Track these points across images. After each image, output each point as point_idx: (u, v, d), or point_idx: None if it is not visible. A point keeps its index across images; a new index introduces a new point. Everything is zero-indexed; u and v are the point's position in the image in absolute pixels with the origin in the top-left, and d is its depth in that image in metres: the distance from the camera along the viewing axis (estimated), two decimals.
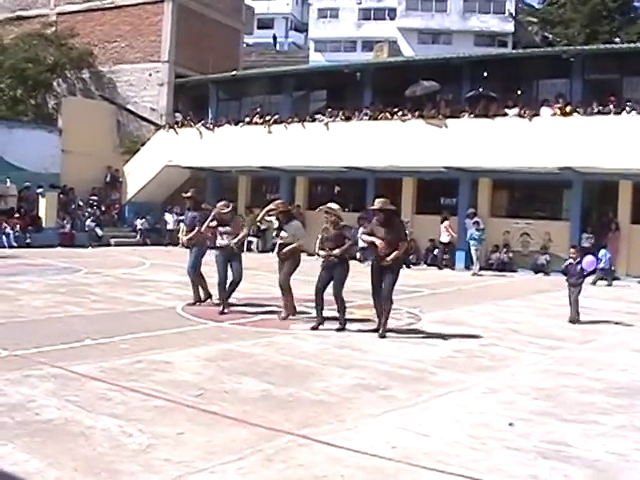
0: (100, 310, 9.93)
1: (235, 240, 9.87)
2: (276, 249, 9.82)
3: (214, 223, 10.45)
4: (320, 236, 9.26)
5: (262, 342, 8.12)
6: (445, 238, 20.27)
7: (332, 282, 9.05)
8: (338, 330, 8.97)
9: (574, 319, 10.45)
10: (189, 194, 11.27)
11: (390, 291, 8.51)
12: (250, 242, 23.88)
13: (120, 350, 7.31)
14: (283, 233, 9.70)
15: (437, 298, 13.36)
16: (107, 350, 7.29)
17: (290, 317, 9.65)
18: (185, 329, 8.78)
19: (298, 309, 10.09)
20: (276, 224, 9.86)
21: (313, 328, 8.95)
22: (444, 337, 8.88)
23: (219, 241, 10.33)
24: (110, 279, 14.11)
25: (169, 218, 25.64)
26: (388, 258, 8.34)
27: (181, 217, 24.61)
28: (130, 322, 9.13)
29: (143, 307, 10.45)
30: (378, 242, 8.55)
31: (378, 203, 8.71)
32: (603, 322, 10.69)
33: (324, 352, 7.70)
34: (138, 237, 25.72)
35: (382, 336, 8.46)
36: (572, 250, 10.65)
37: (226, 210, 10.46)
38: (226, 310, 10.02)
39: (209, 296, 10.78)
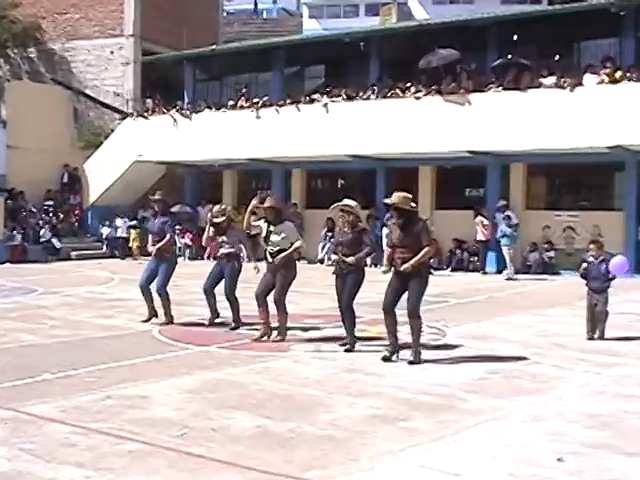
0: (60, 337, 9.94)
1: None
2: (267, 258, 9.66)
3: (212, 232, 10.80)
4: (334, 239, 9.33)
5: (256, 368, 8.13)
6: (482, 236, 20.33)
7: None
8: (347, 350, 8.98)
9: (595, 335, 9.97)
10: (157, 196, 11.41)
11: (416, 305, 8.44)
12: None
13: (85, 384, 7.30)
14: (274, 237, 9.60)
15: (465, 309, 13.35)
16: (69, 385, 7.28)
17: (283, 339, 9.65)
18: (164, 356, 8.77)
19: (299, 325, 10.08)
20: (263, 226, 9.76)
21: (347, 350, 8.98)
22: (474, 355, 8.89)
23: (220, 250, 10.76)
24: (72, 300, 14.10)
25: (120, 223, 25.65)
26: (410, 263, 8.25)
27: (132, 222, 24.77)
28: (97, 350, 9.12)
29: (112, 332, 10.46)
30: (386, 252, 8.61)
31: (396, 198, 8.54)
32: None
33: (331, 378, 7.69)
34: (104, 248, 25.84)
35: (414, 362, 8.39)
36: (591, 246, 10.13)
37: (220, 219, 10.64)
38: (205, 322, 10.49)
39: (171, 318, 11.06)
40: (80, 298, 14.39)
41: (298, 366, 8.31)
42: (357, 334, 9.30)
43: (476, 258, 20.90)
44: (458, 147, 20.18)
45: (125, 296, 14.26)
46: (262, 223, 9.80)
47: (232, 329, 10.50)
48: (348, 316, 9.14)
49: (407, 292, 8.42)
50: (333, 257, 9.31)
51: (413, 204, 8.60)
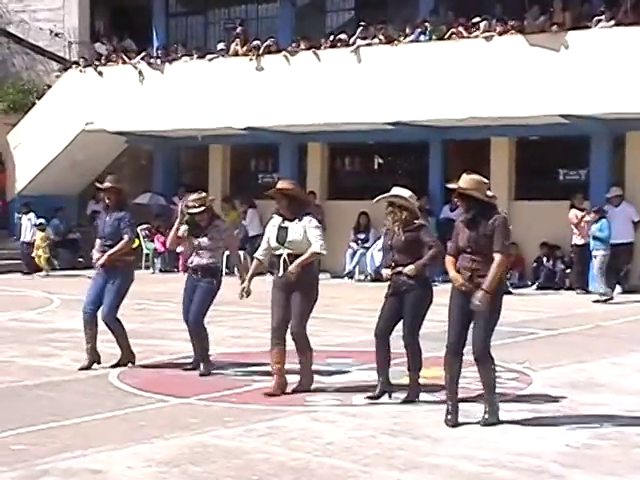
0: None
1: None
2: (279, 268, 9.63)
3: (183, 228, 10.64)
4: (382, 243, 9.34)
5: (259, 429, 8.11)
6: (580, 239, 20.18)
7: (402, 320, 9.14)
8: (405, 402, 9.08)
9: None
10: (108, 184, 11.32)
11: (485, 341, 8.43)
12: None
13: (11, 454, 7.28)
14: (292, 235, 9.56)
15: (559, 344, 13.27)
16: None
17: (308, 389, 9.70)
18: (126, 411, 8.77)
19: (319, 367, 10.15)
20: (274, 222, 9.74)
21: (372, 397, 9.11)
22: (574, 412, 8.81)
23: (194, 259, 10.65)
24: None
25: (25, 221, 25.62)
26: (482, 289, 8.19)
27: (39, 220, 24.79)
28: (28, 404, 9.09)
29: (51, 377, 10.42)
30: (448, 262, 8.57)
31: (465, 182, 8.56)
32: None
33: (365, 443, 7.67)
34: None
35: (489, 422, 8.38)
36: None
37: (197, 209, 10.58)
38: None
39: (132, 356, 11.13)
40: (1, 329, 14.37)
41: (318, 426, 8.28)
42: (402, 378, 9.30)
43: (576, 270, 20.76)
44: (548, 109, 20.11)
45: (68, 325, 14.28)
46: (274, 220, 9.75)
47: (188, 369, 10.60)
48: (412, 353, 9.16)
49: (473, 323, 8.41)
50: (385, 272, 9.29)
51: (490, 193, 8.60)
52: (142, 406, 9.01)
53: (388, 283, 9.30)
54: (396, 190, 9.40)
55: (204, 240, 10.54)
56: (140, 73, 25.34)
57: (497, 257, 8.28)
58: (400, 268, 9.09)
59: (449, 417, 8.39)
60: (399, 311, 9.14)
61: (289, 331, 9.60)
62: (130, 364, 11.04)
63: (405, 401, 9.11)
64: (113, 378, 10.35)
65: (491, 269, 8.22)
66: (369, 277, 22.80)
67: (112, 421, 8.43)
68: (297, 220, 9.60)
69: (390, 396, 9.18)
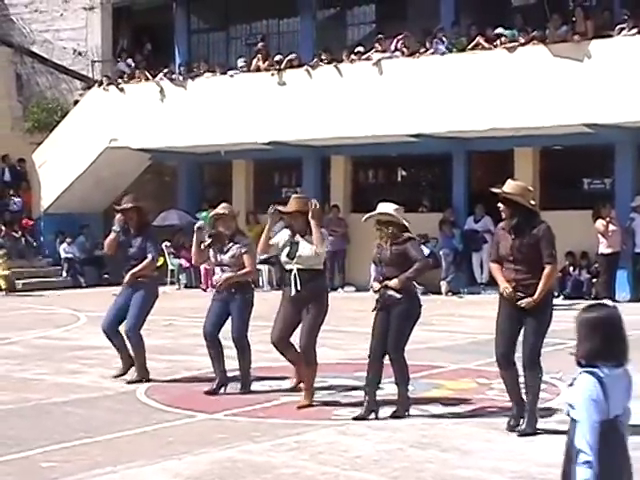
0: (2, 405, 9.98)
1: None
2: (292, 284, 9.60)
3: (207, 244, 10.50)
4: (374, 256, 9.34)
5: (287, 443, 8.13)
6: (606, 247, 20.11)
7: (389, 334, 9.11)
8: (394, 417, 9.02)
9: None
10: (126, 204, 11.34)
11: (536, 349, 8.44)
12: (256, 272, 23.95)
13: (40, 472, 7.33)
14: (303, 249, 9.61)
15: None
16: (16, 474, 7.31)
17: (311, 405, 9.66)
18: (154, 427, 8.82)
19: (346, 381, 10.14)
20: (283, 237, 9.76)
21: (357, 418, 9.02)
22: None
23: (216, 278, 10.61)
24: (18, 349, 14.20)
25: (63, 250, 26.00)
26: (534, 298, 8.20)
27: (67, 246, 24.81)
28: (57, 421, 9.15)
29: (78, 394, 10.48)
30: (495, 269, 8.55)
31: (511, 187, 8.54)
32: None
33: (394, 456, 7.68)
34: (64, 273, 26.11)
35: (527, 432, 8.38)
36: None
37: (225, 224, 10.46)
38: (219, 389, 10.27)
39: (146, 373, 11.14)
40: (30, 346, 14.46)
41: (346, 439, 8.29)
42: (430, 391, 9.27)
43: (602, 279, 20.66)
44: (571, 119, 20.02)
45: (96, 342, 14.28)
46: (283, 234, 9.78)
47: (242, 392, 10.40)
48: (399, 368, 9.12)
49: (523, 330, 8.43)
50: (375, 285, 9.30)
51: (533, 201, 8.60)
52: (170, 422, 9.05)
53: (376, 297, 9.26)
54: (381, 207, 9.34)
55: (225, 257, 10.38)
56: (162, 90, 25.40)
57: (547, 268, 8.30)
58: (388, 282, 9.08)
59: (511, 422, 8.42)
60: (389, 327, 9.09)
61: (298, 346, 9.64)
62: (144, 380, 11.05)
63: (393, 416, 9.00)
64: (141, 394, 10.40)
65: (542, 279, 8.27)
66: None
67: (141, 437, 8.48)
68: (308, 235, 9.62)
69: (377, 415, 9.05)
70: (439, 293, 21.75)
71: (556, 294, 20.85)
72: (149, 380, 11.09)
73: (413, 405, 9.25)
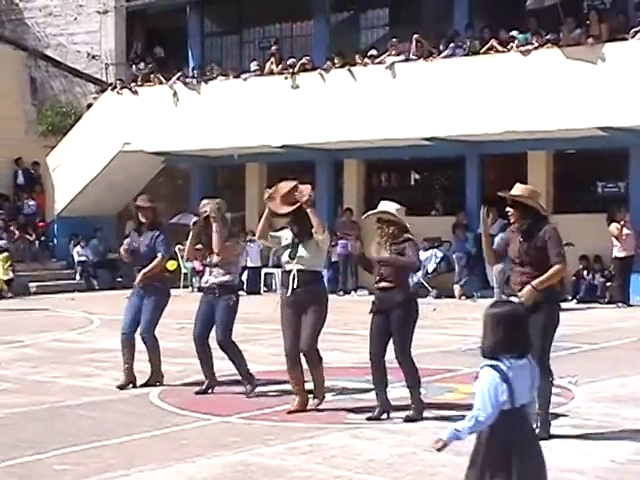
0: (16, 407, 9.99)
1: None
2: (288, 285, 9.50)
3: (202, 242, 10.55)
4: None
5: (300, 447, 8.13)
6: (620, 251, 20.09)
7: (392, 339, 9.11)
8: (407, 420, 8.99)
9: None
10: (142, 202, 11.33)
11: (541, 351, 8.40)
12: (269, 274, 23.97)
13: (54, 475, 7.34)
14: (303, 251, 9.52)
15: (600, 358, 13.17)
16: (30, 477, 7.33)
17: (318, 406, 9.66)
18: (168, 430, 8.82)
19: (359, 385, 10.09)
20: (286, 237, 9.70)
21: (371, 418, 9.07)
22: (619, 427, 8.73)
23: (208, 279, 10.54)
24: (32, 351, 14.23)
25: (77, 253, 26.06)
26: (532, 284, 8.18)
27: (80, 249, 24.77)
28: (70, 424, 9.15)
29: (92, 397, 10.50)
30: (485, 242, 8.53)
31: (520, 190, 8.58)
32: None
33: (408, 460, 7.66)
34: (77, 276, 26.20)
35: (540, 438, 8.27)
36: None
37: (211, 212, 10.39)
38: (209, 390, 10.45)
39: (160, 376, 11.19)
40: (43, 349, 14.49)
41: (360, 443, 8.28)
42: (444, 395, 9.24)
43: (616, 284, 20.63)
44: (586, 122, 20.00)
45: (108, 345, 14.33)
46: (285, 232, 9.74)
47: (249, 394, 10.36)
48: (408, 371, 9.12)
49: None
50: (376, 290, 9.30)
51: (542, 204, 8.63)
52: (183, 425, 9.05)
53: (372, 299, 9.27)
54: (383, 205, 9.36)
55: (214, 258, 10.40)
56: (175, 94, 25.45)
57: (556, 266, 8.29)
58: (384, 284, 9.07)
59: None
60: (387, 329, 9.09)
61: (300, 348, 9.58)
62: (158, 384, 11.08)
63: (407, 419, 8.98)
64: (154, 397, 10.41)
65: (548, 272, 8.26)
66: None
67: (154, 440, 8.48)
68: (309, 236, 9.56)
69: (389, 416, 9.09)
70: (452, 297, 21.73)
71: (570, 298, 20.94)
72: (162, 384, 11.10)
73: (427, 409, 9.23)
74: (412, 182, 25.45)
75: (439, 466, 7.48)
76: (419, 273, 22.54)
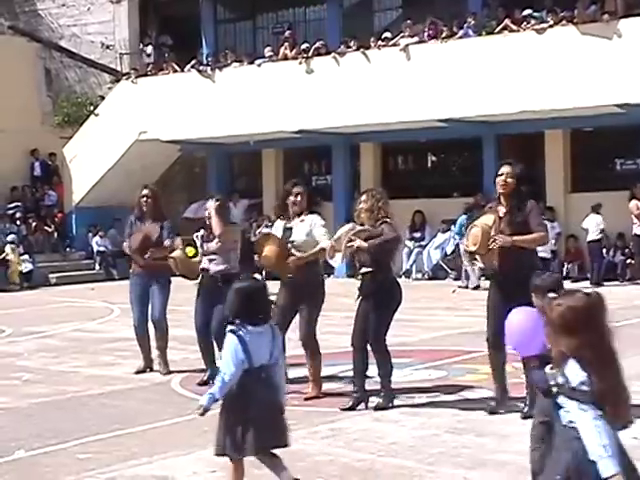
0: (38, 397, 10.06)
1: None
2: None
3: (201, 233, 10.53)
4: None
5: (322, 431, 8.17)
6: (639, 228, 20.01)
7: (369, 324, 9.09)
8: (377, 409, 8.91)
9: None
10: (146, 190, 11.33)
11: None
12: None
13: (78, 464, 7.38)
14: (296, 235, 9.55)
15: (622, 335, 12.65)
16: (54, 466, 7.36)
17: (318, 396, 9.63)
18: (189, 417, 8.79)
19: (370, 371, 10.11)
20: (278, 226, 9.76)
21: (347, 409, 8.95)
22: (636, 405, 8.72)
23: (210, 267, 10.35)
24: (53, 342, 14.30)
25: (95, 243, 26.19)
26: (512, 239, 8.28)
27: (9, 236, 24.53)
28: (93, 413, 9.22)
29: (113, 385, 10.57)
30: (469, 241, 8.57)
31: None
32: None
33: (429, 442, 7.69)
34: (97, 267, 26.28)
35: (527, 416, 8.34)
36: None
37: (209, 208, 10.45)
38: (210, 380, 10.20)
39: (150, 364, 11.33)
40: (65, 339, 14.58)
41: (381, 426, 8.29)
42: (465, 376, 9.22)
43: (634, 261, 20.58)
44: (603, 99, 19.92)
45: (129, 334, 14.32)
46: (278, 224, 9.80)
47: (201, 384, 10.14)
48: (380, 358, 9.07)
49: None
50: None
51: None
52: None
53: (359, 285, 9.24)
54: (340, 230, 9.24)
55: (212, 245, 10.33)
56: (191, 81, 25.45)
57: (535, 236, 8.50)
58: (365, 269, 9.06)
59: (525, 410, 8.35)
60: (369, 315, 9.04)
61: (298, 337, 9.64)
62: (149, 370, 11.29)
63: (377, 408, 8.91)
64: (175, 385, 10.47)
65: (531, 235, 8.45)
66: (426, 275, 22.78)
67: (176, 427, 8.53)
68: (301, 220, 9.60)
69: (366, 405, 9.00)
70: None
71: (589, 276, 20.84)
72: (153, 369, 11.25)
73: (448, 390, 9.23)
74: (429, 164, 25.38)
75: (461, 447, 7.50)
76: (438, 255, 22.56)
